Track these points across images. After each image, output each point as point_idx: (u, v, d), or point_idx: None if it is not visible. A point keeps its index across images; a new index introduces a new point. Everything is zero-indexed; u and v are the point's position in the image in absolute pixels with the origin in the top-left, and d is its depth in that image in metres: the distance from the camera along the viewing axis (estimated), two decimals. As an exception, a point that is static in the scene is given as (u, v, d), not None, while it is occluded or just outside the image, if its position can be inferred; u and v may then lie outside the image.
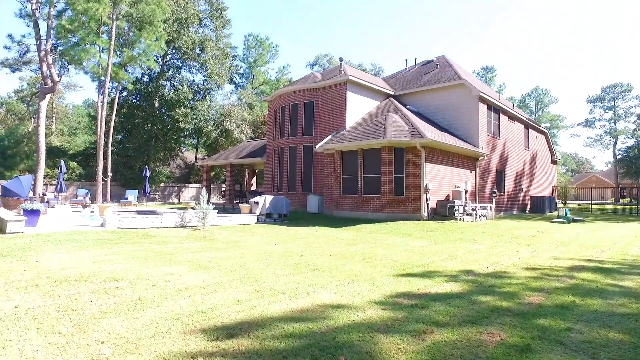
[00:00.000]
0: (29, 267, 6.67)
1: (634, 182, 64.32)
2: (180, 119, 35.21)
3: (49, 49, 27.39)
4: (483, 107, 20.48)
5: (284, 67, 48.91)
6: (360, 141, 16.56)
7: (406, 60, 26.78)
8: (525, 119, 25.63)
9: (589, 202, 53.26)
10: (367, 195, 16.65)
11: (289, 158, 21.80)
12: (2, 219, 10.39)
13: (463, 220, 15.60)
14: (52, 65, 27.55)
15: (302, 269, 7.05)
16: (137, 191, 26.38)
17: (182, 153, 44.30)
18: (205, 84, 38.47)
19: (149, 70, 37.55)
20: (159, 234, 11.49)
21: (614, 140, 68.37)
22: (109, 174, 24.38)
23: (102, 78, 24.60)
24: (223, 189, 41.30)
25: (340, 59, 21.63)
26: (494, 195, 19.03)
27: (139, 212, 21.51)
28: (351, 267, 7.35)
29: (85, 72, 25.42)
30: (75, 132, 50.83)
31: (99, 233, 10.94)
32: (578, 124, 73.04)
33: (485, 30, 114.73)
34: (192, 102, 36.49)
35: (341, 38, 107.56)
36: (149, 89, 36.09)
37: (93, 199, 25.88)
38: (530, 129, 26.99)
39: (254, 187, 31.77)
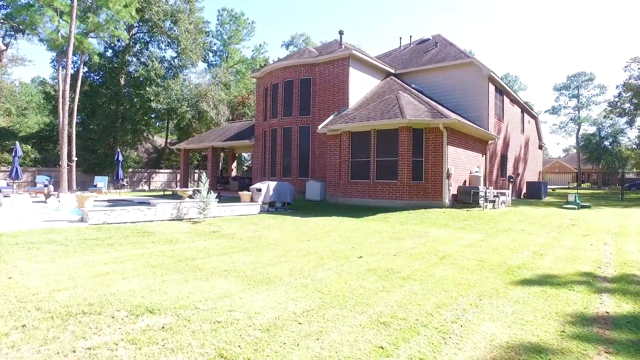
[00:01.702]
0: (0, 289, 4.54)
1: (595, 168, 67.03)
2: (152, 98, 31.92)
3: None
4: (492, 88, 19.30)
5: (260, 45, 45.97)
6: (374, 121, 14.85)
7: (400, 38, 25.07)
8: (522, 102, 24.86)
9: (557, 187, 54.69)
10: (381, 181, 15.05)
11: (283, 140, 19.76)
12: (-50, 215, 7.91)
13: (486, 208, 14.37)
14: (-3, 31, 23.75)
15: (388, 279, 5.32)
16: (106, 178, 23.49)
17: (152, 137, 40.80)
18: (178, 61, 35.10)
19: (112, 45, 33.80)
20: (158, 230, 9.36)
21: (577, 127, 70.65)
22: (74, 158, 21.32)
23: (63, 48, 21.26)
24: (196, 173, 38.49)
25: (340, 32, 19.65)
26: (511, 180, 18.01)
27: (114, 202, 18.91)
28: (443, 273, 5.70)
29: (41, 40, 21.92)
30: (25, 113, 45.80)
31: (82, 230, 8.67)
32: (545, 111, 74.93)
33: (459, 15, 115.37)
34: (163, 80, 33.16)
35: (317, 18, 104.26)
36: (115, 65, 32.45)
37: (56, 186, 22.70)
38: (525, 113, 26.33)
39: (234, 173, 29.42)
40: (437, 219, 12.02)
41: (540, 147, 32.63)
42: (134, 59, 35.13)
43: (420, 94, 17.25)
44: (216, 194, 11.57)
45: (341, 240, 8.68)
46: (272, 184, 14.22)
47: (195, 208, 11.49)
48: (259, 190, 13.79)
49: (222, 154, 29.73)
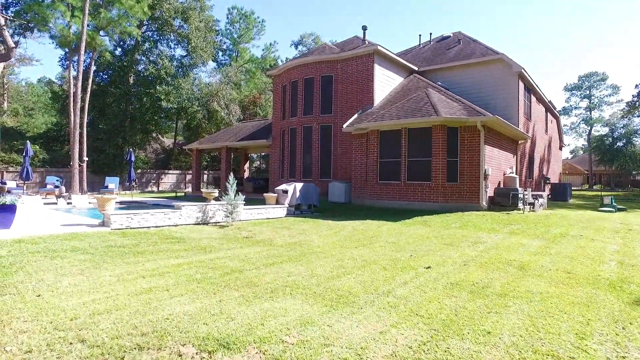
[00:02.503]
0: (30, 312, 3.77)
1: (608, 169, 65.82)
2: (162, 98, 31.16)
3: (1, 8, 22.89)
4: (521, 86, 18.44)
5: (271, 44, 45.18)
6: (405, 119, 14.03)
7: (420, 35, 24.29)
8: (547, 101, 23.98)
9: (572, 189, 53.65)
10: (412, 182, 14.21)
11: (303, 140, 18.95)
12: (-37, 219, 7.14)
13: (526, 211, 13.50)
14: (5, 28, 23.03)
15: (483, 296, 4.49)
16: (117, 179, 22.73)
17: (162, 137, 40.07)
18: (188, 60, 34.34)
19: (122, 43, 33.13)
20: (186, 235, 8.56)
21: (589, 128, 69.54)
22: (85, 158, 20.59)
23: (74, 45, 20.55)
24: (206, 175, 37.73)
25: (364, 27, 18.86)
26: (547, 181, 17.13)
27: (127, 204, 18.14)
28: (538, 288, 4.88)
29: (52, 37, 21.25)
30: (31, 113, 45.21)
31: (105, 236, 7.87)
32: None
33: (471, 13, 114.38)
34: (173, 79, 32.42)
35: (326, 17, 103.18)
36: (124, 64, 31.75)
37: (66, 187, 21.98)
38: (548, 112, 25.44)
39: (246, 174, 28.64)
40: (479, 223, 11.17)
41: (561, 147, 31.71)
42: (143, 58, 34.46)
43: (448, 92, 16.44)
44: (244, 197, 10.76)
45: (391, 247, 7.86)
46: (299, 186, 13.41)
47: (221, 211, 10.70)
48: (285, 192, 12.98)
49: (231, 154, 28.94)
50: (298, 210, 13.58)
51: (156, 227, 9.40)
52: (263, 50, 45.91)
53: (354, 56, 17.96)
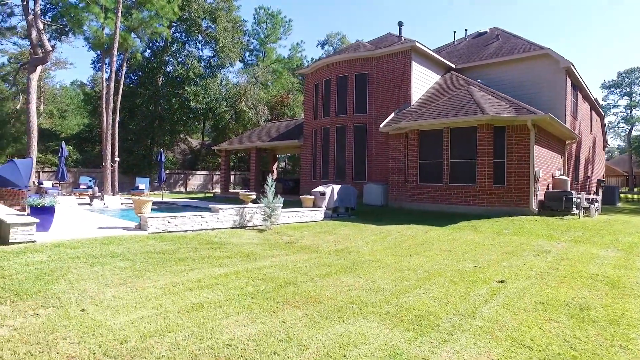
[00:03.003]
0: (76, 331, 3.34)
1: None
2: (191, 98, 31.22)
3: (39, 11, 23.27)
4: (569, 82, 17.33)
5: (297, 44, 44.89)
6: (448, 118, 13.28)
7: (454, 32, 23.43)
8: (593, 99, 22.63)
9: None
10: (455, 185, 13.43)
11: (336, 140, 18.38)
12: (2, 222, 6.89)
13: (581, 216, 12.52)
14: (43, 31, 23.44)
15: (589, 322, 3.80)
16: (148, 179, 22.74)
17: (190, 138, 40.31)
18: (216, 60, 34.33)
19: (151, 44, 33.42)
20: (226, 240, 8.12)
21: (630, 127, 66.25)
22: (117, 159, 20.66)
23: (106, 46, 20.66)
24: (233, 176, 37.65)
25: (400, 24, 18.16)
26: (602, 185, 16.01)
27: (158, 205, 18.01)
28: (651, 315, 4.13)
29: (86, 39, 21.47)
30: (65, 115, 46.36)
31: (143, 241, 7.51)
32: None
33: (496, 8, 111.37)
34: (201, 80, 32.44)
35: (350, 16, 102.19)
36: (153, 65, 32.00)
37: (99, 188, 22.12)
38: (593, 111, 24.03)
39: (275, 175, 28.28)
40: (534, 229, 10.33)
41: (604, 147, 30.06)
42: (172, 59, 34.68)
43: (491, 89, 15.56)
44: (282, 199, 10.28)
45: (448, 256, 7.19)
46: (336, 187, 12.86)
47: (259, 214, 10.25)
48: (323, 194, 12.44)
49: (261, 155, 28.63)
50: (335, 213, 13.03)
51: (193, 230, 9.02)
52: (290, 50, 45.66)
53: (390, 53, 17.28)
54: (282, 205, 10.17)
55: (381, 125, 15.74)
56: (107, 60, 22.11)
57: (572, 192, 12.68)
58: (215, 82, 32.76)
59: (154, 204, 18.63)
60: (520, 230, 10.26)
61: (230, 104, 33.13)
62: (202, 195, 27.04)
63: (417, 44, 16.62)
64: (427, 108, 14.87)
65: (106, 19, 20.15)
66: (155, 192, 27.37)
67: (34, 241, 6.80)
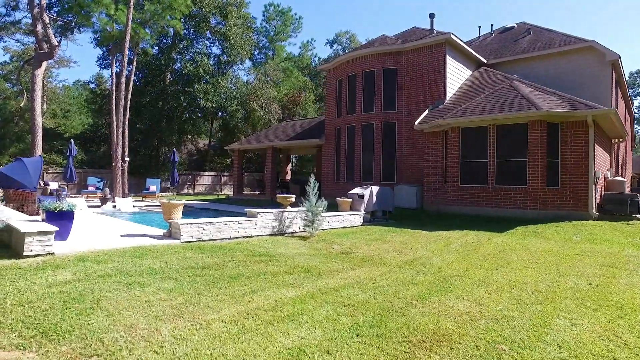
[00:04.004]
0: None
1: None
2: (201, 96, 30.07)
3: (44, 4, 22.18)
4: (614, 77, 16.22)
5: (308, 41, 43.76)
6: (496, 114, 12.16)
7: (479, 27, 22.67)
8: (628, 95, 21.53)
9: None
10: (502, 186, 12.31)
11: (362, 139, 17.24)
12: (15, 230, 5.76)
13: (644, 222, 11.38)
14: (49, 25, 22.33)
15: None
16: (159, 180, 21.63)
17: (197, 138, 39.15)
18: (227, 58, 33.19)
19: (158, 41, 32.30)
20: (273, 251, 6.99)
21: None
22: (127, 158, 19.52)
23: (117, 40, 19.53)
24: (244, 177, 36.46)
25: (431, 15, 17.06)
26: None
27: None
28: None
29: (94, 32, 20.36)
30: (67, 115, 45.24)
31: (180, 252, 6.37)
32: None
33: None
34: (211, 77, 31.29)
35: (357, 15, 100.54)
36: (161, 62, 30.88)
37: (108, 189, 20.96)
38: (626, 109, 22.92)
39: (288, 176, 27.15)
40: (606, 236, 9.20)
41: (632, 148, 28.97)
42: (180, 57, 33.56)
43: (535, 84, 14.45)
44: (326, 203, 9.14)
45: (540, 269, 6.09)
46: (375, 189, 11.74)
47: (299, 219, 9.12)
48: (361, 196, 11.31)
49: (277, 155, 27.45)
50: (373, 217, 11.90)
51: (230, 239, 7.88)
52: (300, 48, 44.52)
53: (422, 46, 16.17)
54: (325, 209, 9.03)
55: (416, 123, 14.62)
56: (117, 55, 20.99)
57: (637, 194, 11.55)
58: (226, 80, 31.63)
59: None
60: (592, 237, 9.13)
61: (240, 103, 31.98)
62: (214, 197, 25.92)
63: (452, 36, 15.53)
64: (468, 104, 13.75)
65: (116, 11, 19.04)
66: (164, 194, 26.22)
67: (52, 253, 5.67)
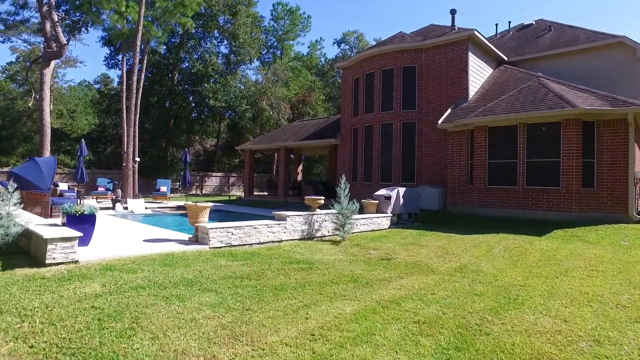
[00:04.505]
0: None
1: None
2: (210, 96, 29.62)
3: (53, 2, 21.83)
4: (643, 74, 15.63)
5: (317, 41, 43.29)
6: (527, 112, 11.64)
7: (497, 24, 21.82)
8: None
9: None
10: (533, 187, 11.77)
11: (381, 139, 16.73)
12: (35, 235, 5.29)
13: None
14: (58, 24, 21.95)
15: None
16: (169, 181, 21.18)
17: (205, 138, 38.72)
18: (236, 57, 32.74)
19: (168, 40, 31.91)
20: (309, 258, 6.51)
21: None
22: (137, 159, 19.10)
23: (127, 40, 19.09)
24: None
25: (453, 11, 16.54)
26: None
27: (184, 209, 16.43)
28: None
29: (105, 30, 19.93)
30: (73, 115, 44.96)
31: (212, 260, 5.89)
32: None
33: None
34: (221, 76, 30.84)
35: (362, 14, 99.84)
36: (170, 61, 30.47)
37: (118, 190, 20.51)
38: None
39: (299, 177, 26.66)
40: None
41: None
42: (187, 56, 33.14)
43: (565, 82, 13.89)
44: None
45: (606, 277, 5.61)
46: (402, 191, 11.22)
47: (329, 222, 8.62)
48: (388, 198, 10.80)
49: (290, 155, 26.96)
50: (399, 219, 11.39)
51: (260, 243, 7.38)
52: (308, 47, 44.00)
53: (443, 43, 15.66)
54: (357, 211, 8.52)
55: (439, 122, 14.11)
56: (128, 54, 20.56)
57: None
58: (235, 79, 31.18)
59: (178, 208, 17.05)
60: (640, 242, 8.58)
61: (250, 103, 31.51)
62: (225, 198, 25.46)
63: (475, 32, 15.02)
64: (495, 102, 13.22)
65: (127, 8, 18.62)
66: (172, 195, 25.77)
67: (76, 261, 5.19)
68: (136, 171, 19.13)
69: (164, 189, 20.37)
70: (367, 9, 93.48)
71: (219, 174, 35.75)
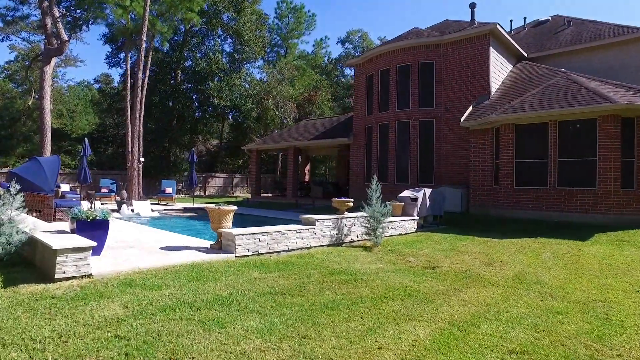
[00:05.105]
0: None
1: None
2: (214, 94, 28.89)
3: (54, 1, 21.15)
4: (670, 70, 15.00)
5: (321, 39, 42.59)
6: (559, 109, 10.98)
7: (511, 21, 21.11)
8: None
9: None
10: (566, 188, 11.11)
11: (397, 138, 16.05)
12: (42, 244, 4.60)
13: None
14: (58, 20, 21.24)
15: None
16: (174, 182, 20.46)
17: (209, 138, 38.00)
18: (240, 55, 32.03)
19: (171, 38, 31.20)
20: (348, 267, 5.83)
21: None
22: (142, 159, 18.38)
23: (133, 36, 18.42)
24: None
25: (472, 5, 15.88)
26: None
27: (194, 211, 15.78)
28: None
29: (108, 25, 19.25)
30: (73, 115, 44.21)
31: (243, 271, 5.21)
32: None
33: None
34: (224, 75, 30.13)
35: (363, 14, 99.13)
36: (173, 59, 29.78)
37: (120, 190, 19.79)
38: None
39: (307, 178, 25.96)
40: None
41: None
42: (191, 54, 32.45)
43: (595, 77, 13.25)
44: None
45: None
46: (427, 192, 10.55)
47: (359, 226, 7.94)
48: (414, 200, 10.12)
49: (299, 155, 26.26)
50: (424, 222, 10.72)
51: (288, 251, 6.70)
52: (313, 46, 43.30)
53: (463, 38, 14.99)
54: (390, 214, 7.84)
55: (462, 120, 13.45)
56: (132, 51, 19.87)
57: None
58: (240, 78, 30.47)
59: (186, 210, 16.34)
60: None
61: (255, 102, 30.80)
62: (231, 199, 24.74)
63: (498, 27, 14.35)
64: (522, 99, 12.55)
65: (132, 2, 17.94)
66: (178, 196, 25.05)
67: (89, 275, 4.50)
68: (141, 172, 18.41)
69: (169, 190, 19.66)
70: (371, 9, 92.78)
71: (222, 175, 35.03)
